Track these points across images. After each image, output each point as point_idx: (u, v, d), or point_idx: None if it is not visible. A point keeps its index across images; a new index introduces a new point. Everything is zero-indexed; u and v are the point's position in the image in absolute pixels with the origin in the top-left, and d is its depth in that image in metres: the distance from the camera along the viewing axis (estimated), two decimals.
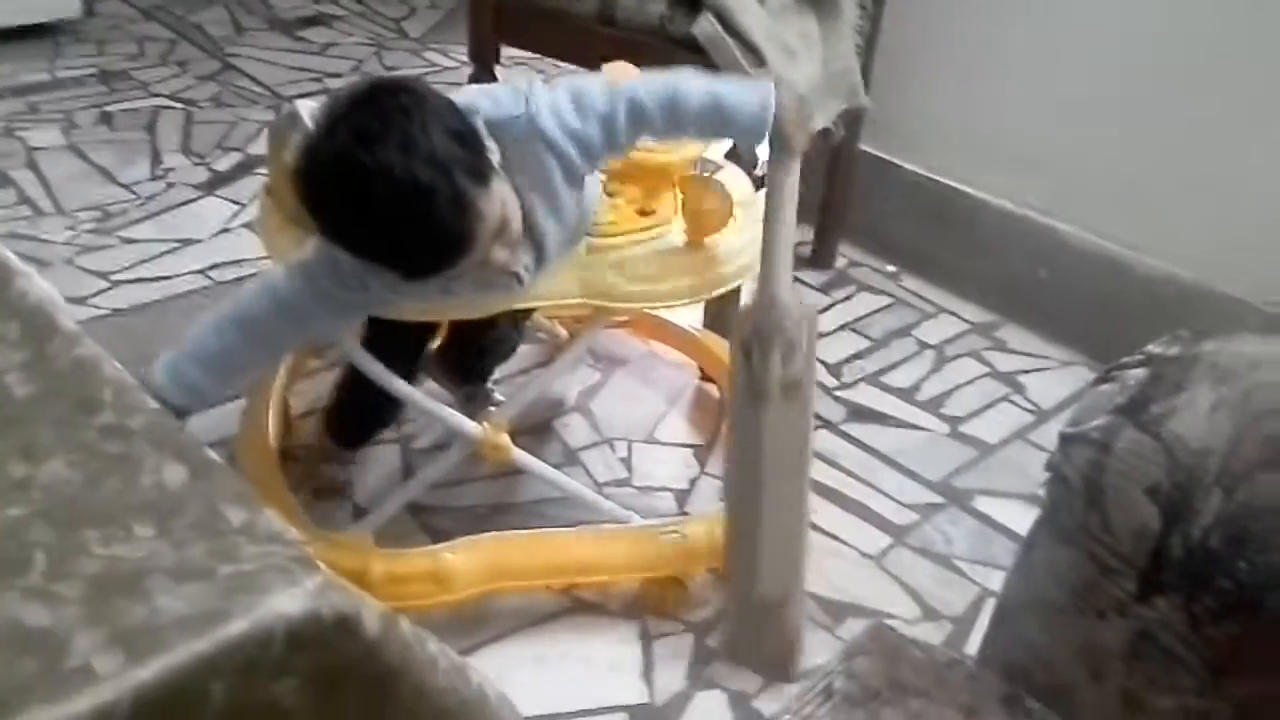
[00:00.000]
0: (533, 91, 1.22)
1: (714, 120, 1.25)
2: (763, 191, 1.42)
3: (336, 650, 0.62)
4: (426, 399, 1.35)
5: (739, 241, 1.38)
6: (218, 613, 0.59)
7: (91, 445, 0.70)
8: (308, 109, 1.26)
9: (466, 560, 1.36)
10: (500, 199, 1.15)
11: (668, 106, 1.23)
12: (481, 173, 1.13)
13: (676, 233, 1.37)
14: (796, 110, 1.26)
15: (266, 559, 0.62)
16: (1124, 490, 0.76)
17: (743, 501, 1.34)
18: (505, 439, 1.38)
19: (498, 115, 1.19)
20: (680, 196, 1.39)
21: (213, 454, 0.70)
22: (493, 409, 1.45)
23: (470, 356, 1.54)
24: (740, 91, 1.26)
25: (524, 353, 1.70)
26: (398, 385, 1.34)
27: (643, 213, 1.38)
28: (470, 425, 1.37)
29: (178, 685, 0.57)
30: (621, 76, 1.42)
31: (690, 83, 1.24)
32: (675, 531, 1.43)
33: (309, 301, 1.21)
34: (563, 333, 1.79)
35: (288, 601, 0.60)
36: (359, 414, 1.52)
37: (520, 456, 1.41)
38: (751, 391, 1.29)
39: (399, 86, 1.14)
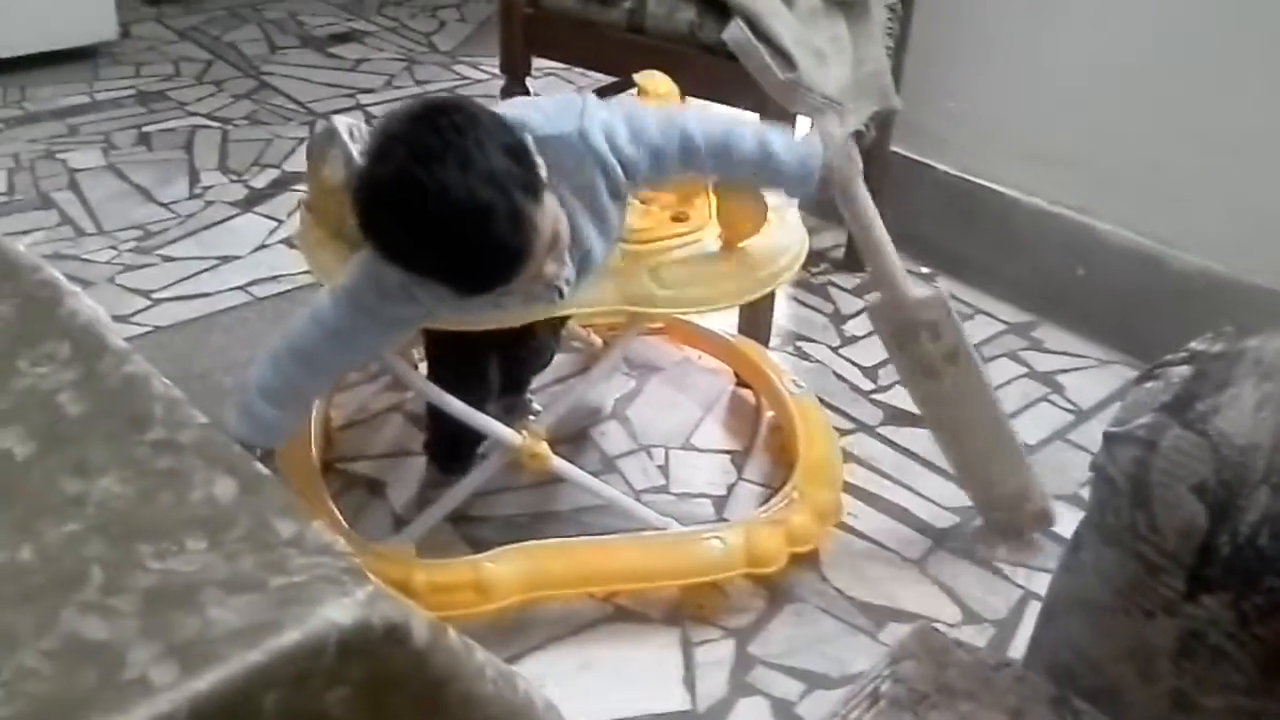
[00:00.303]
0: (586, 108, 1.22)
1: (762, 173, 1.28)
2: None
3: (386, 660, 0.63)
4: (465, 408, 1.36)
5: (774, 245, 1.38)
6: (270, 624, 0.60)
7: (143, 461, 0.71)
8: (344, 124, 1.27)
9: (508, 569, 1.37)
10: (552, 213, 1.17)
11: (719, 151, 1.25)
12: (535, 188, 1.14)
13: (711, 238, 1.38)
14: (843, 157, 1.35)
15: (316, 570, 0.63)
16: (1170, 488, 0.76)
17: (955, 448, 1.54)
18: (544, 447, 1.39)
19: (550, 130, 1.19)
20: (713, 201, 1.39)
21: (262, 467, 0.71)
22: (531, 418, 1.46)
23: (508, 367, 1.55)
24: (789, 146, 1.28)
25: (559, 362, 1.71)
26: (429, 389, 1.36)
27: (676, 218, 1.39)
28: (509, 434, 1.38)
29: (232, 696, 0.57)
30: (652, 86, 1.43)
31: (744, 130, 1.27)
32: (715, 537, 1.43)
33: (357, 321, 1.23)
34: (597, 341, 1.79)
35: (339, 612, 0.60)
36: (454, 438, 1.53)
37: (559, 464, 1.41)
38: (921, 373, 1.48)
39: (451, 105, 1.15)
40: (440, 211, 1.09)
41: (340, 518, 1.43)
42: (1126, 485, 0.78)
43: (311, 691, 0.60)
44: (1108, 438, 0.81)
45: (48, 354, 0.79)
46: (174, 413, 0.74)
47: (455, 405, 1.36)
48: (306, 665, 0.59)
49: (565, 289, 1.27)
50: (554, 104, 1.25)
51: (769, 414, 1.77)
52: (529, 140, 1.16)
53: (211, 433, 0.73)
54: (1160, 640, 0.77)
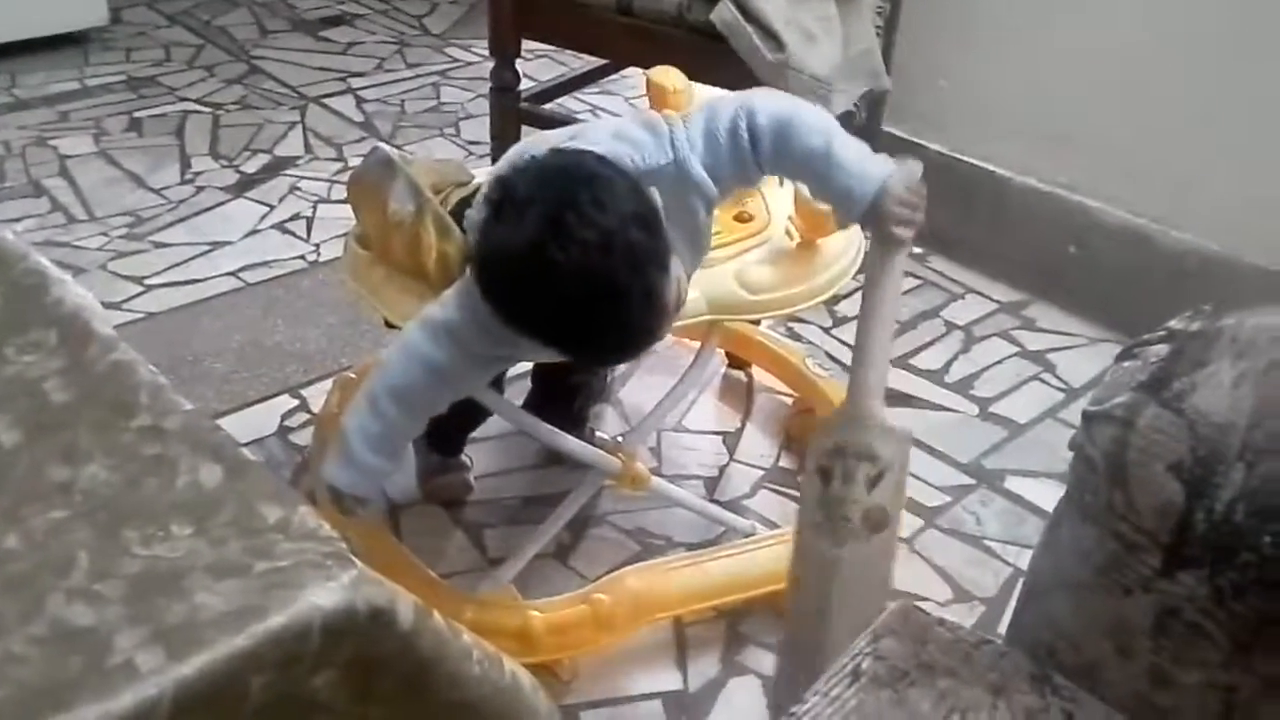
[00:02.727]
0: (675, 132, 1.14)
1: (815, 171, 1.15)
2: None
3: (372, 642, 0.63)
4: (558, 433, 1.34)
5: (843, 239, 1.36)
6: (256, 609, 0.60)
7: (129, 447, 0.71)
8: (397, 154, 1.23)
9: (623, 599, 1.33)
10: (675, 279, 1.09)
11: (780, 134, 1.13)
12: (666, 260, 1.07)
13: (778, 235, 1.35)
14: (909, 201, 1.12)
15: (302, 555, 0.64)
16: (1147, 467, 0.76)
17: (805, 633, 1.20)
18: (644, 470, 1.36)
19: (646, 167, 1.12)
20: (793, 197, 1.35)
21: (247, 453, 0.72)
22: (620, 438, 1.39)
23: (562, 400, 1.51)
24: (857, 157, 1.13)
25: None
26: (528, 420, 1.34)
27: (739, 219, 1.36)
28: (610, 460, 1.34)
29: (218, 680, 0.58)
30: (666, 81, 1.40)
31: (811, 116, 1.15)
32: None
33: (463, 365, 1.18)
34: None
35: (324, 596, 0.61)
36: (453, 423, 1.52)
37: (658, 484, 1.39)
38: (828, 518, 1.14)
39: (586, 171, 1.07)
40: (577, 293, 1.03)
41: (420, 562, 1.38)
42: (1104, 464, 0.78)
43: (298, 675, 0.61)
44: (1086, 417, 0.82)
45: (34, 342, 0.79)
46: (159, 400, 0.74)
47: (557, 435, 1.33)
48: (292, 649, 0.60)
49: None
50: (641, 133, 1.15)
51: (791, 400, 1.76)
52: (658, 202, 1.09)
53: (197, 419, 0.74)
54: (1138, 617, 0.78)
